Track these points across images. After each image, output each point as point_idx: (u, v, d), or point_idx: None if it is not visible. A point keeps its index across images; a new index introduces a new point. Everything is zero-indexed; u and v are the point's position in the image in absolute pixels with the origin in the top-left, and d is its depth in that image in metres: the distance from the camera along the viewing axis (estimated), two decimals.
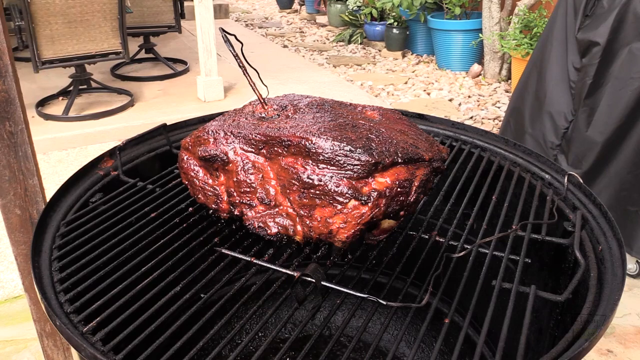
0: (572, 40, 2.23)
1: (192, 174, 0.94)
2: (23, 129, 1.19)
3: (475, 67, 4.85)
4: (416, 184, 0.85)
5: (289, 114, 0.93)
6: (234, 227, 0.95)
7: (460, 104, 4.22)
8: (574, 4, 2.23)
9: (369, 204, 0.79)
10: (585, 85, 2.17)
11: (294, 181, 0.82)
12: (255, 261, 0.87)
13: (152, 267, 0.85)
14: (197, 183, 0.94)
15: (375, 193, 0.79)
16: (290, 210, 0.84)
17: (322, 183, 0.80)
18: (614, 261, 0.85)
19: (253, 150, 0.87)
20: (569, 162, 2.24)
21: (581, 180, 1.05)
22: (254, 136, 0.87)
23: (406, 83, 4.78)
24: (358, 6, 6.47)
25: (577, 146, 2.22)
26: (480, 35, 4.64)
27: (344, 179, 0.79)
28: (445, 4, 4.94)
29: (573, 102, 2.25)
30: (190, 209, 1.02)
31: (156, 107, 3.98)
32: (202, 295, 0.81)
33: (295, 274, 0.82)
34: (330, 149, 0.80)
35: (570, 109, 2.26)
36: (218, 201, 0.91)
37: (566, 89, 2.29)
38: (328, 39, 6.60)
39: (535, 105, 2.42)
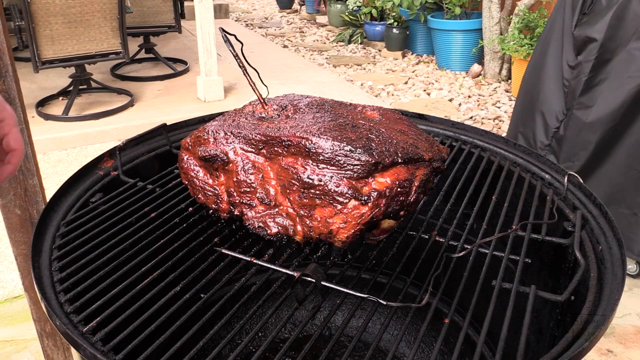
0: (569, 37, 2.23)
1: (192, 174, 0.94)
2: (23, 129, 1.19)
3: (476, 67, 4.85)
4: (416, 184, 0.85)
5: (289, 114, 0.93)
6: (234, 227, 0.95)
7: (460, 104, 4.22)
8: (572, 2, 2.22)
9: (369, 204, 0.79)
10: (580, 82, 2.16)
11: (294, 181, 0.82)
12: (255, 261, 0.87)
13: (152, 267, 0.85)
14: (197, 183, 0.94)
15: (375, 193, 0.79)
16: (290, 210, 0.84)
17: (322, 183, 0.80)
18: (614, 261, 0.85)
19: (253, 150, 0.87)
20: (560, 162, 2.23)
21: (581, 181, 1.05)
22: (254, 136, 0.87)
23: (406, 83, 4.78)
24: (358, 6, 6.47)
25: (568, 145, 2.21)
26: (480, 41, 4.64)
27: (344, 179, 0.79)
28: (445, 4, 4.94)
29: (565, 101, 2.24)
30: (190, 209, 1.02)
31: (156, 107, 3.98)
32: (202, 295, 0.81)
33: (295, 274, 0.81)
34: (330, 149, 0.80)
35: (561, 109, 2.25)
36: (218, 201, 0.91)
37: (559, 88, 2.27)
38: (328, 39, 6.60)
39: (529, 105, 2.41)
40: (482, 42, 4.60)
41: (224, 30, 0.93)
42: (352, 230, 0.79)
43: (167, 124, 1.25)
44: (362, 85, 4.74)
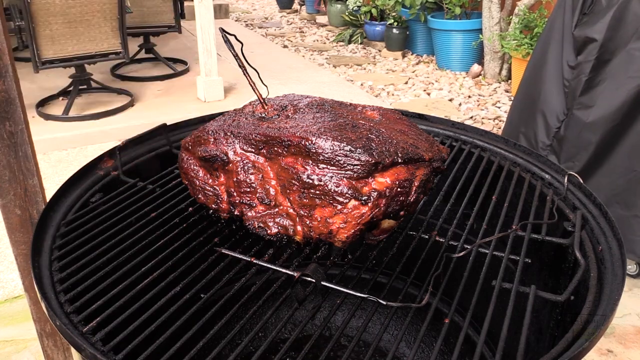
0: (569, 37, 2.23)
1: (192, 174, 0.94)
2: (23, 129, 1.19)
3: (475, 67, 4.85)
4: (416, 184, 0.85)
5: (289, 114, 0.93)
6: (234, 227, 0.95)
7: (460, 104, 4.22)
8: (572, 2, 2.22)
9: (369, 204, 0.79)
10: (580, 82, 2.16)
11: (294, 181, 0.82)
12: (255, 261, 0.87)
13: (152, 267, 0.85)
14: (197, 183, 0.94)
15: (375, 193, 0.79)
16: (290, 210, 0.84)
17: (322, 183, 0.80)
18: (614, 261, 0.85)
19: (253, 150, 0.87)
20: (561, 162, 2.23)
21: (581, 181, 1.05)
22: (254, 136, 0.87)
23: (406, 83, 4.78)
24: (358, 6, 6.47)
25: (569, 146, 2.21)
26: (480, 36, 4.64)
27: (344, 179, 0.79)
28: (446, 4, 4.94)
29: (566, 101, 2.24)
30: (190, 209, 1.02)
31: (156, 107, 3.98)
32: (202, 295, 0.81)
33: (295, 274, 0.81)
34: (330, 149, 0.80)
35: (562, 109, 2.25)
36: (218, 201, 0.91)
37: (560, 88, 2.27)
38: (328, 39, 6.60)
39: (530, 105, 2.41)
40: (482, 37, 4.59)
41: (224, 30, 0.93)
42: (352, 230, 0.79)
43: (167, 124, 1.25)
44: (362, 85, 4.74)
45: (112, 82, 4.45)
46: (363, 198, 0.79)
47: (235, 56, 0.94)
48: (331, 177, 0.79)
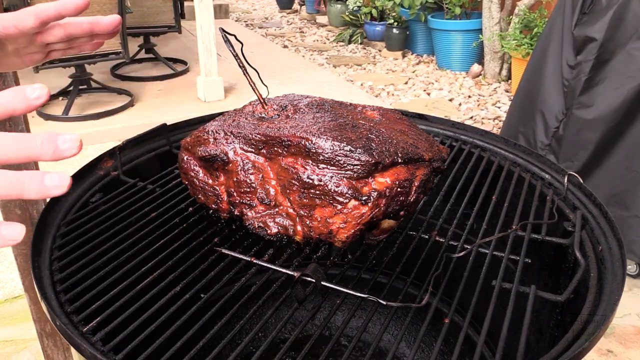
0: (568, 37, 2.23)
1: (192, 174, 0.94)
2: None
3: (475, 67, 4.85)
4: (416, 184, 0.85)
5: (289, 114, 0.93)
6: (234, 227, 0.95)
7: (460, 104, 4.22)
8: (572, 2, 2.22)
9: (369, 204, 0.79)
10: (580, 82, 2.15)
11: (294, 181, 0.82)
12: (255, 261, 0.87)
13: (152, 267, 0.85)
14: (197, 183, 0.94)
15: (375, 193, 0.79)
16: (290, 210, 0.84)
17: (322, 183, 0.80)
18: (614, 261, 0.85)
19: (253, 150, 0.87)
20: (559, 162, 2.22)
21: (581, 181, 1.05)
22: (254, 136, 0.87)
23: (406, 83, 4.78)
24: (358, 6, 6.47)
25: (568, 145, 2.20)
26: (480, 36, 4.64)
27: (344, 179, 0.79)
28: (446, 4, 4.94)
29: (565, 101, 2.24)
30: (190, 209, 1.02)
31: (156, 107, 3.98)
32: (202, 295, 0.81)
33: (295, 274, 0.81)
34: (330, 149, 0.80)
35: (561, 108, 2.25)
36: (218, 201, 0.91)
37: (559, 87, 2.27)
38: (328, 39, 6.60)
39: (529, 104, 2.41)
40: (482, 37, 4.60)
41: (224, 30, 0.93)
42: (352, 230, 0.79)
43: (167, 124, 1.25)
44: (362, 85, 4.75)
45: (112, 82, 4.45)
46: (363, 198, 0.79)
47: (235, 56, 0.94)
48: (331, 177, 0.79)
